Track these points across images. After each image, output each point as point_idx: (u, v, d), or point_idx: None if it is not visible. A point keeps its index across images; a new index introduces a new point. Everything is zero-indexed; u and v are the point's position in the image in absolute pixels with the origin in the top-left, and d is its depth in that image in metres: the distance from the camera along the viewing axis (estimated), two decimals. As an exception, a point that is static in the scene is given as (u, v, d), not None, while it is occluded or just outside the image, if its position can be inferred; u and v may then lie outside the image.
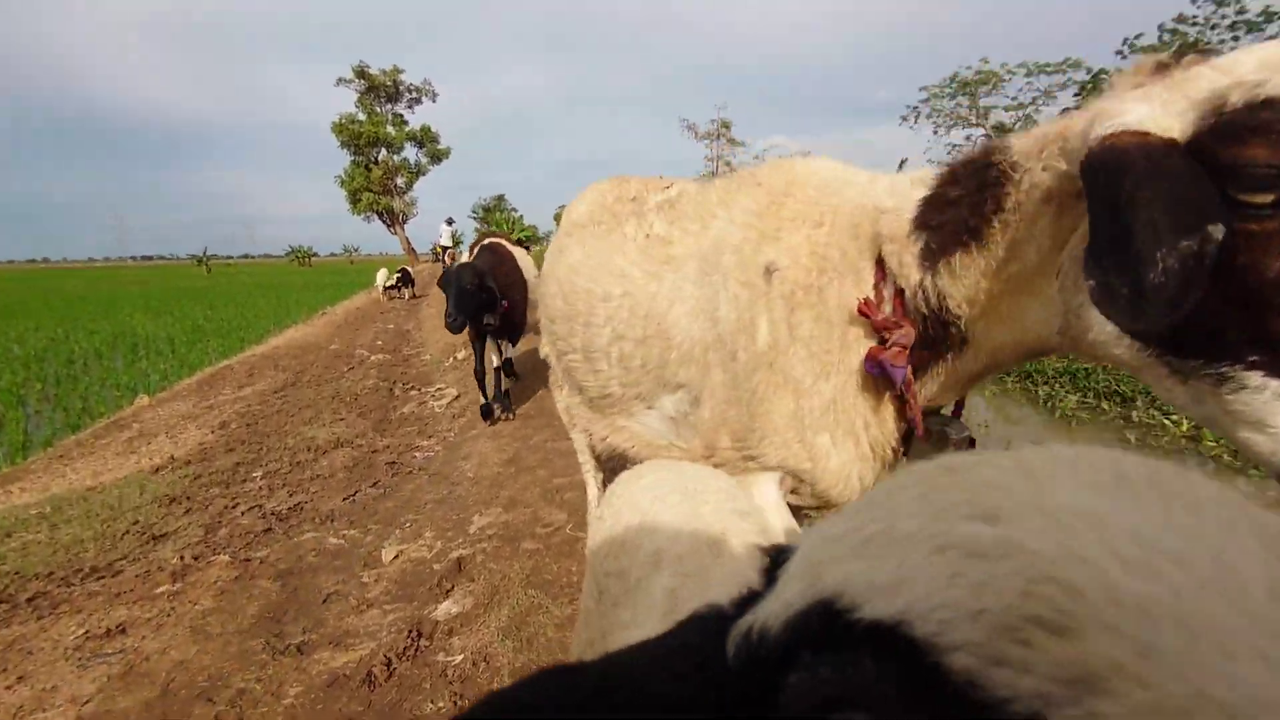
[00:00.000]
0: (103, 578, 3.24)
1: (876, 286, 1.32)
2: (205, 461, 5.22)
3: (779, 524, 1.42)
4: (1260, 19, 24.57)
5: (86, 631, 2.69)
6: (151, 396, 8.59)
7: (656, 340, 1.65)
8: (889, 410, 1.39)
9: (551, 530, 3.45)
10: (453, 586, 3.02)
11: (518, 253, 6.12)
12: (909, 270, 1.25)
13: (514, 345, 6.04)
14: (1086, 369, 8.37)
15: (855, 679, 0.24)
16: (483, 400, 5.65)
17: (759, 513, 1.09)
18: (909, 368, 1.26)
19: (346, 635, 2.71)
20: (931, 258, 1.21)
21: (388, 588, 3.08)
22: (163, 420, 7.20)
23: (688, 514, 1.02)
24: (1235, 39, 25.77)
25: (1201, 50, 0.93)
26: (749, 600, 0.34)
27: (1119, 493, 0.27)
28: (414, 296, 18.25)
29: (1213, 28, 26.54)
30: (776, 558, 0.36)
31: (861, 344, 1.34)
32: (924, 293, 1.23)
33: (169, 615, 2.82)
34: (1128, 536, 0.24)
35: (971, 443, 1.40)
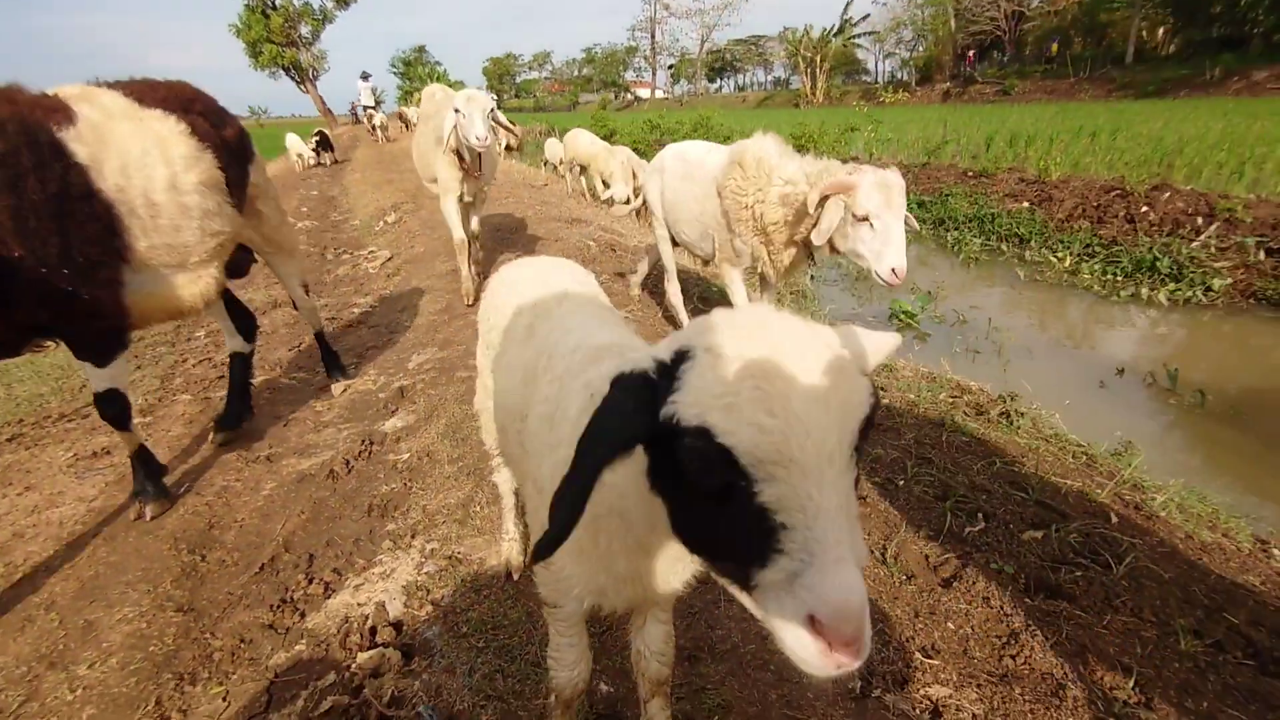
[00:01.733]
0: (73, 420, 3.59)
1: None
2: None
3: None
4: None
5: (75, 454, 3.10)
6: (70, 271, 8.35)
7: None
8: None
9: (482, 362, 3.94)
10: (397, 408, 3.51)
11: (132, 124, 2.51)
12: None
13: (106, 363, 2.47)
14: (993, 214, 9.12)
15: (710, 453, 0.69)
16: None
17: (590, 282, 1.65)
18: None
19: (308, 447, 3.21)
20: None
21: (340, 413, 3.55)
22: (89, 293, 7.12)
23: (540, 283, 1.58)
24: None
25: None
26: (662, 374, 0.78)
27: (816, 399, 0.71)
28: (335, 162, 17.32)
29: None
30: (679, 356, 0.77)
31: None
32: None
33: (147, 439, 3.22)
34: (805, 430, 0.70)
35: None
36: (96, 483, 2.87)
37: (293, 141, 16.77)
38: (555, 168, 12.92)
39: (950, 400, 3.45)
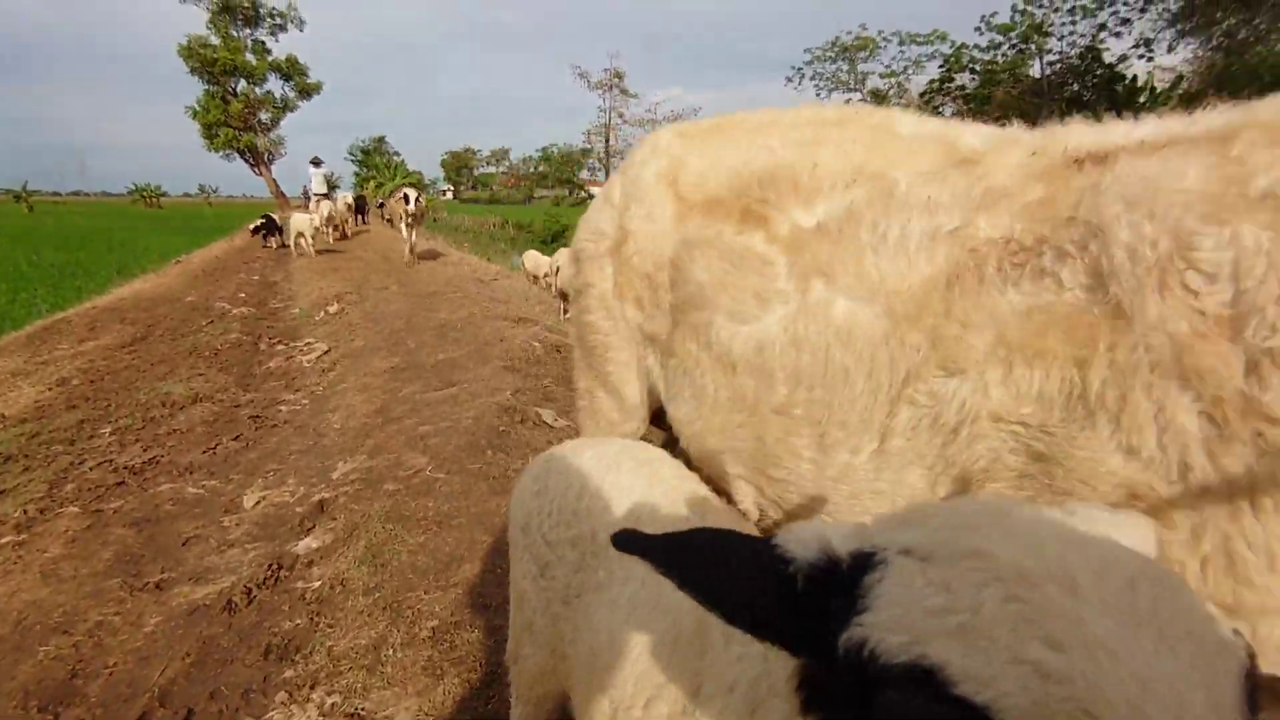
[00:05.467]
0: (-66, 534, 3.17)
1: None
2: (43, 419, 4.97)
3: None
4: (1094, 3, 27.76)
5: (-77, 582, 2.70)
6: (-31, 352, 7.77)
7: None
8: None
9: (412, 473, 3.73)
10: (314, 525, 3.25)
11: None
12: None
13: None
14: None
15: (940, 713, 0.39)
16: None
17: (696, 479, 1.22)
18: None
19: (207, 572, 2.90)
20: None
21: (249, 530, 3.26)
22: (-14, 378, 6.61)
23: (649, 477, 1.13)
24: (1074, 21, 28.98)
25: None
26: (824, 574, 0.50)
27: (1133, 623, 0.40)
28: (282, 245, 17.12)
29: (1055, 10, 29.66)
30: (862, 561, 0.49)
31: None
32: None
33: (15, 563, 2.87)
34: (1131, 676, 0.37)
35: None
36: (-57, 619, 2.49)
37: (298, 221, 15.27)
38: (537, 279, 10.98)
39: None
